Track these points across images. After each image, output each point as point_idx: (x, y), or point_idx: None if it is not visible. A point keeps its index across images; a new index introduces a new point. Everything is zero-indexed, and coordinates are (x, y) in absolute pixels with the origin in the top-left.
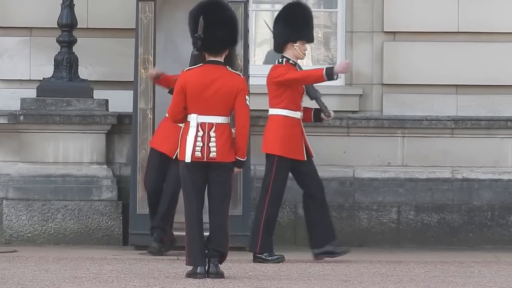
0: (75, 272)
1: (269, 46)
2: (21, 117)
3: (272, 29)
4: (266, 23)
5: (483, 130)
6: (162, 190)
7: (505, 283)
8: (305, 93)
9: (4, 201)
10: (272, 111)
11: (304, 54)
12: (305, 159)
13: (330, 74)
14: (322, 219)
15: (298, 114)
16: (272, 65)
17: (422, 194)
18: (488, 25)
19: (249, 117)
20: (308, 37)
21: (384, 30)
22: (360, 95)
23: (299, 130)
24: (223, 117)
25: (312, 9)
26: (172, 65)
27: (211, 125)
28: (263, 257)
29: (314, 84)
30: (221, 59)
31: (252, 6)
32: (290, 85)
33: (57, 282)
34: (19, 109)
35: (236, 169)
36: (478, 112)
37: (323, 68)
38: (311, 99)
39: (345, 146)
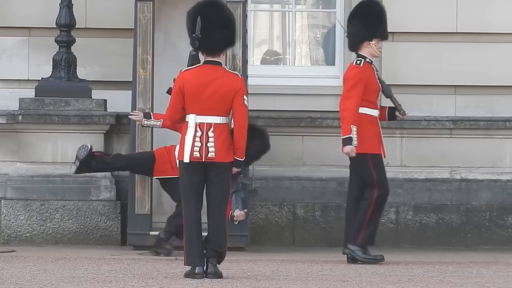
0: (74, 272)
1: (267, 46)
2: (20, 117)
3: (345, 28)
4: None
5: (481, 131)
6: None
7: (503, 283)
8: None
9: (2, 201)
10: None
11: (380, 52)
12: (385, 156)
13: (344, 143)
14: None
15: (375, 112)
16: (350, 63)
17: (420, 195)
18: (486, 26)
19: (247, 117)
20: (383, 35)
21: None
22: None
23: (378, 128)
24: (221, 117)
25: (311, 9)
26: (171, 65)
27: (209, 125)
28: (358, 251)
29: (387, 83)
30: (219, 59)
31: (250, 6)
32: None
33: (55, 282)
34: (17, 109)
35: (234, 169)
36: (476, 113)
37: (350, 135)
38: (386, 97)
39: None
